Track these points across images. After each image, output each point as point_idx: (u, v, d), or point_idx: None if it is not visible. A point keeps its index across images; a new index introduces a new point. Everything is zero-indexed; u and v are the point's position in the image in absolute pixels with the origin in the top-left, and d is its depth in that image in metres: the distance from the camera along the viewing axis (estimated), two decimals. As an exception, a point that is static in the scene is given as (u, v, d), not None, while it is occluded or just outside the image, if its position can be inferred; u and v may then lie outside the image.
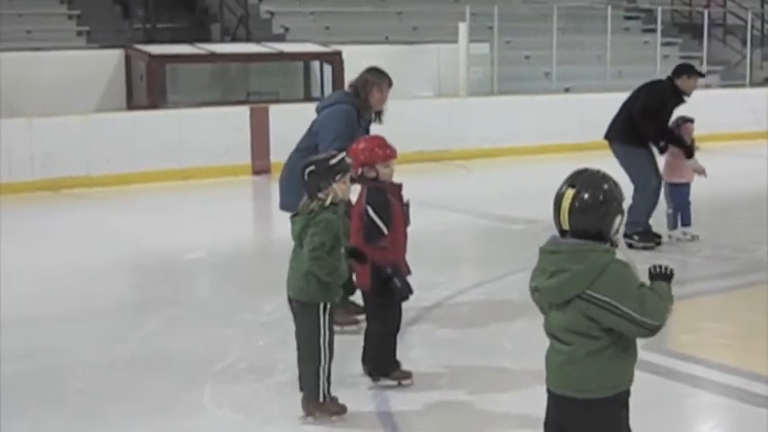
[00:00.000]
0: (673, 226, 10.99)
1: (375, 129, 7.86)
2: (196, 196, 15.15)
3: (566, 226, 3.93)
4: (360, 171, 6.43)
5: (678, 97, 10.69)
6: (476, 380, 6.73)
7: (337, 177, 5.86)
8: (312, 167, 5.89)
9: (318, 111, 7.99)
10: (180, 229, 12.55)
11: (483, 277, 9.50)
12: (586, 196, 3.90)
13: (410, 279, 6.45)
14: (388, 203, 6.38)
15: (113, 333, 8.01)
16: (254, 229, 13.49)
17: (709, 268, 10.14)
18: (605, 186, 3.96)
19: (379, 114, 7.99)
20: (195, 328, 8.13)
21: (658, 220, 10.94)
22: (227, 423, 6.10)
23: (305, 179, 5.89)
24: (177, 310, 8.73)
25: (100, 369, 7.15)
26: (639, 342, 4.03)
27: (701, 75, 11.01)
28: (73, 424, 6.15)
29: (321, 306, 5.85)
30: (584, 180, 3.95)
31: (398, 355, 6.74)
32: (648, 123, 10.54)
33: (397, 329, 6.60)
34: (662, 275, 4.04)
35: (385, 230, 6.32)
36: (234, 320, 8.18)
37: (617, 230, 3.98)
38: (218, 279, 10.28)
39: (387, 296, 6.40)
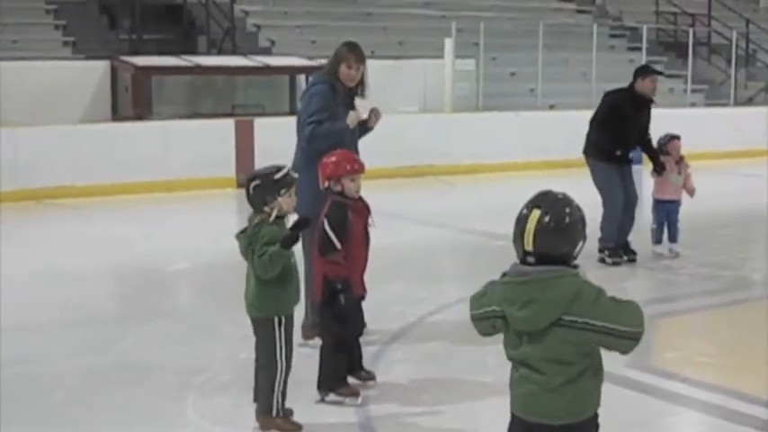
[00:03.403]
0: (656, 241, 11.04)
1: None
2: (181, 208, 15.11)
3: (529, 247, 3.81)
4: (326, 184, 6.48)
5: (640, 101, 10.68)
6: (459, 395, 6.73)
7: (282, 191, 5.83)
8: (257, 181, 5.86)
9: (301, 99, 7.93)
10: (164, 241, 12.54)
11: (466, 293, 9.29)
12: (553, 218, 3.79)
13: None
14: (345, 219, 6.40)
15: (97, 343, 7.98)
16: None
17: (693, 286, 10.17)
18: (570, 210, 3.84)
19: (360, 89, 7.81)
20: (178, 339, 8.11)
21: (645, 235, 10.97)
22: (209, 435, 6.10)
23: (250, 193, 5.88)
24: (161, 321, 8.71)
25: (83, 379, 7.13)
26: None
27: (658, 73, 10.96)
28: (54, 435, 6.13)
29: (276, 320, 5.83)
30: (549, 202, 3.84)
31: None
32: (602, 133, 10.59)
33: (345, 345, 6.51)
34: None
35: (337, 245, 6.34)
36: (217, 333, 8.16)
37: (577, 255, 3.87)
38: (202, 291, 10.24)
39: (335, 310, 6.42)
